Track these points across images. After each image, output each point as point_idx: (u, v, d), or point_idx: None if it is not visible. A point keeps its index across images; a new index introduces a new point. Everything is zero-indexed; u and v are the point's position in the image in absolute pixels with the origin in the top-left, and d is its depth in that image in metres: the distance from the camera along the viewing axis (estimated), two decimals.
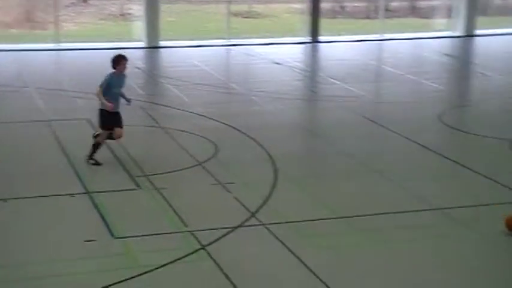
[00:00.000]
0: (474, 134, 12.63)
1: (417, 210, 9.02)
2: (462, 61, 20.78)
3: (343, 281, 7.14)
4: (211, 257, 7.58)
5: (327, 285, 7.01)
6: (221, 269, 7.31)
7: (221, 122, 13.12)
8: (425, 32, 24.70)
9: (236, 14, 26.08)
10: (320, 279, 7.12)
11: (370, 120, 13.45)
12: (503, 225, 8.26)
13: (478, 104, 15.17)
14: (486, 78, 17.63)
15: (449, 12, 25.15)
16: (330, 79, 17.36)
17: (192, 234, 8.15)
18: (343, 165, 10.85)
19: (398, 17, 27.43)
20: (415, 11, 28.30)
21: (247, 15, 28.39)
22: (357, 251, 7.88)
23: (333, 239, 8.19)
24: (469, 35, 23.66)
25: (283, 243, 7.95)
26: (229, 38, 22.89)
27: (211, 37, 23.36)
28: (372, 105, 15.05)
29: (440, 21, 26.17)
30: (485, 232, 8.41)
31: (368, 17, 27.02)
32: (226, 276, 7.16)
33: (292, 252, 7.72)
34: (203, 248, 7.81)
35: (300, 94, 16.35)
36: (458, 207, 9.13)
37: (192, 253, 7.69)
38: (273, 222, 8.52)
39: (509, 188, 9.79)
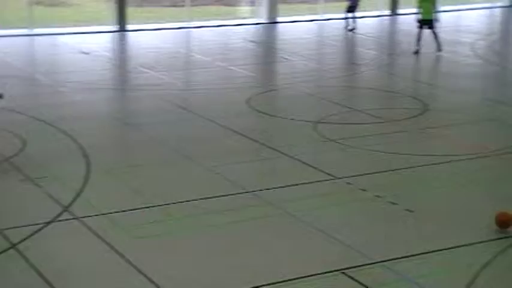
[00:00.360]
0: (281, 117, 13.15)
1: (231, 194, 9.25)
2: (267, 47, 21.50)
3: (162, 271, 7.17)
4: (22, 256, 7.30)
5: (145, 276, 7.01)
6: (34, 267, 7.07)
7: (28, 115, 12.61)
8: (231, 20, 25.21)
9: (38, 3, 25.07)
10: (139, 270, 7.11)
11: (182, 108, 13.57)
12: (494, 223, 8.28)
13: (284, 88, 15.80)
14: (290, 63, 18.37)
15: (253, 0, 25.86)
16: (140, 68, 17.25)
17: (1, 233, 7.80)
18: (156, 153, 10.87)
19: (204, 4, 27.77)
20: None
21: (51, 3, 27.39)
22: (174, 238, 7.95)
23: (149, 228, 8.19)
24: (272, 22, 24.48)
25: (98, 235, 7.84)
26: (32, 28, 21.96)
27: (12, 27, 22.27)
28: (182, 92, 15.17)
29: (244, 8, 26.85)
30: (294, 210, 8.83)
31: (174, 5, 27.10)
32: (40, 274, 6.94)
33: (108, 244, 7.63)
34: (13, 246, 7.51)
35: (110, 84, 16.11)
36: (267, 189, 9.48)
37: (1, 253, 7.37)
38: (87, 215, 8.37)
39: (314, 167, 10.32)
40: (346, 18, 23.08)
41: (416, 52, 18.86)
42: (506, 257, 7.67)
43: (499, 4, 27.82)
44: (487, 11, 27.47)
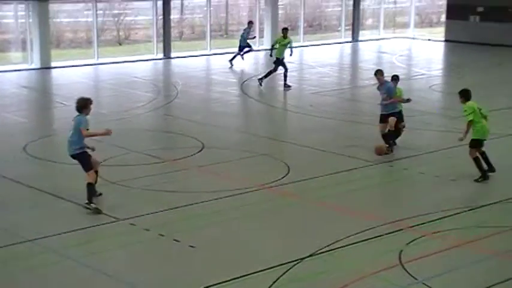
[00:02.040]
0: (61, 163, 12.99)
1: (7, 245, 9.08)
2: (42, 93, 21.04)
3: None
4: None
5: None
6: None
7: None
8: (1, 66, 24.34)
9: None
10: None
11: None
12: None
13: (62, 134, 15.56)
14: (67, 108, 18.11)
15: (24, 45, 25.19)
16: None
17: None
18: None
19: None
20: None
21: None
22: None
23: None
24: (46, 67, 24.02)
25: None
26: None
27: None
28: None
29: (15, 54, 26.05)
30: (77, 256, 8.81)
31: None
32: None
33: None
34: None
35: None
36: (46, 236, 9.39)
37: None
38: None
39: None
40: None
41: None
42: (285, 283, 8.26)
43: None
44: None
